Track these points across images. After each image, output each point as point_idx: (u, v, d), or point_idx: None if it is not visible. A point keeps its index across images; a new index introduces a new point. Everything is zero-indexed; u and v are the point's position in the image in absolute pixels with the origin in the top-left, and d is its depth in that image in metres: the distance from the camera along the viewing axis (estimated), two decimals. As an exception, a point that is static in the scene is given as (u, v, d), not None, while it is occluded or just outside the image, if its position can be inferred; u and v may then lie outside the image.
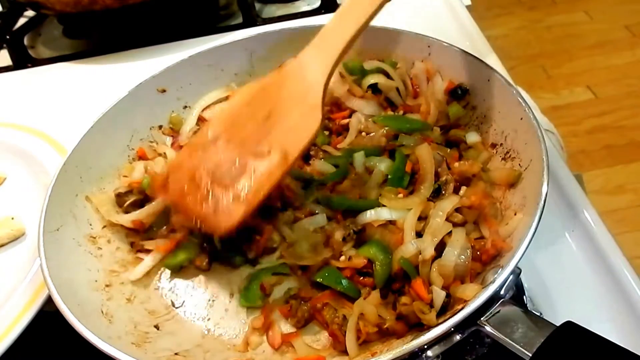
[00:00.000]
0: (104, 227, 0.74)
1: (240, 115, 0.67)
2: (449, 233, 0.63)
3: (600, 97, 2.67)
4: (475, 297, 0.53)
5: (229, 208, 0.62)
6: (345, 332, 0.60)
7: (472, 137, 0.77)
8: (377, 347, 0.59)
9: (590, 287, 0.68)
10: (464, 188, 0.70)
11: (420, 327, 0.58)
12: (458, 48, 0.81)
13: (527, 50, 2.89)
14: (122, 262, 0.72)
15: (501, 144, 0.74)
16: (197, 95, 0.89)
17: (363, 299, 0.62)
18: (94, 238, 0.72)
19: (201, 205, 0.63)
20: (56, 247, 0.66)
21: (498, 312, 0.53)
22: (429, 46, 0.83)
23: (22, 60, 1.24)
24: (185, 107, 0.89)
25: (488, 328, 0.53)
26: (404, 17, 0.98)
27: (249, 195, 0.62)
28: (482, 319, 0.53)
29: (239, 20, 1.26)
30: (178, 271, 0.72)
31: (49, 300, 0.66)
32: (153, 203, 0.73)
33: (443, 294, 0.58)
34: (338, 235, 0.67)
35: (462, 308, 0.52)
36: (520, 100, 0.70)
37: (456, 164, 0.72)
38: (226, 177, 0.63)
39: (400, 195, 0.69)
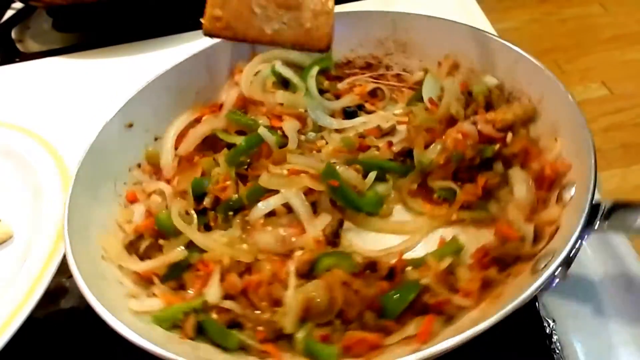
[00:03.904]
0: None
1: None
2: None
3: (615, 93, 2.67)
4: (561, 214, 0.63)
5: (317, 22, 0.67)
6: None
7: (491, 80, 0.82)
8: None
9: (605, 291, 0.68)
10: (509, 135, 0.75)
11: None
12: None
13: (540, 44, 2.88)
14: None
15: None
16: (164, 123, 0.85)
17: None
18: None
19: (272, 31, 0.70)
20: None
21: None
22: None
23: (9, 55, 1.24)
24: (156, 138, 0.85)
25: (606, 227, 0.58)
26: (413, 9, 0.98)
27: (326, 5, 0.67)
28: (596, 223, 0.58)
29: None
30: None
31: (38, 306, 0.66)
32: (170, 254, 0.71)
33: (531, 225, 0.64)
34: None
35: (556, 229, 0.61)
36: (509, 45, 0.81)
37: (492, 114, 0.77)
38: None
39: None
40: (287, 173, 0.75)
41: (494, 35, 0.86)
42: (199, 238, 0.70)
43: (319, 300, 0.61)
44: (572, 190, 0.64)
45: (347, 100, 0.90)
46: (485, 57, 0.85)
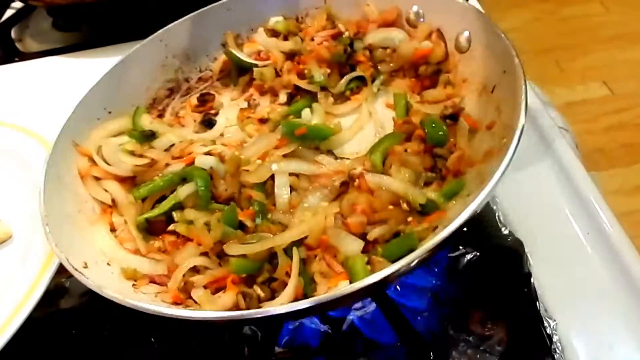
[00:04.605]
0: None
1: None
2: None
3: (617, 93, 2.67)
4: None
5: None
6: None
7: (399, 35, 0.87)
8: None
9: (607, 292, 0.68)
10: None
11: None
12: None
13: (540, 43, 2.88)
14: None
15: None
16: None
17: None
18: None
19: None
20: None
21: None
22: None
23: (9, 54, 1.24)
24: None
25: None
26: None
27: None
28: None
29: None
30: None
31: (38, 306, 0.66)
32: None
33: None
34: None
35: None
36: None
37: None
38: None
39: None
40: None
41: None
42: None
43: None
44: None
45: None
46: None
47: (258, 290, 0.62)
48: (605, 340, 0.65)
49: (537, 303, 0.67)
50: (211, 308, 0.60)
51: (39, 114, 1.02)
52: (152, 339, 0.71)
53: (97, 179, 0.77)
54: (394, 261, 0.54)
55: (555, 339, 0.65)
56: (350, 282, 0.58)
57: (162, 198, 0.74)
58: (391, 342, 0.68)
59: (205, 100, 0.92)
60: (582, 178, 0.79)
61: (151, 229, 0.73)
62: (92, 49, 1.21)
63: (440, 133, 0.72)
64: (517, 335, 0.65)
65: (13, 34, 1.32)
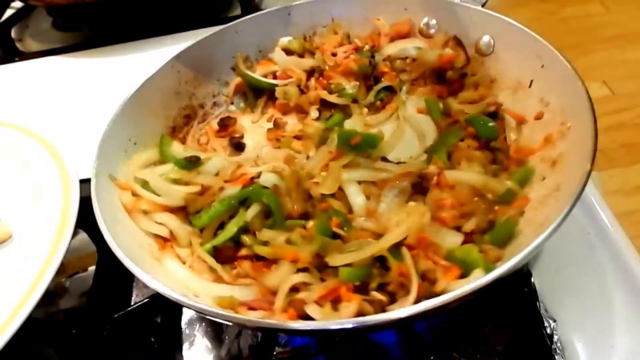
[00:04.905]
0: None
1: None
2: None
3: (617, 93, 2.67)
4: None
5: None
6: None
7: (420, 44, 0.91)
8: None
9: (607, 292, 0.68)
10: None
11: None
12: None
13: (540, 43, 2.88)
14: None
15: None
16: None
17: None
18: None
19: None
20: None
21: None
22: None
23: (9, 54, 1.24)
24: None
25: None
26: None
27: None
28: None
29: (237, 11, 1.26)
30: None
31: (38, 306, 0.66)
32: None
33: None
34: None
35: None
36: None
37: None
38: None
39: None
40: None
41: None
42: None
43: None
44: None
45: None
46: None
47: (379, 296, 0.60)
48: (606, 340, 0.65)
49: (537, 303, 0.67)
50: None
51: (39, 114, 1.02)
52: (152, 339, 0.72)
53: (145, 212, 0.73)
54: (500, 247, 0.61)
55: (555, 339, 0.65)
56: (464, 274, 0.59)
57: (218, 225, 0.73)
58: (391, 342, 0.68)
59: (226, 124, 0.90)
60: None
61: (218, 256, 0.70)
62: (92, 49, 1.21)
63: (490, 125, 0.76)
64: (517, 335, 0.65)
65: (13, 34, 1.32)
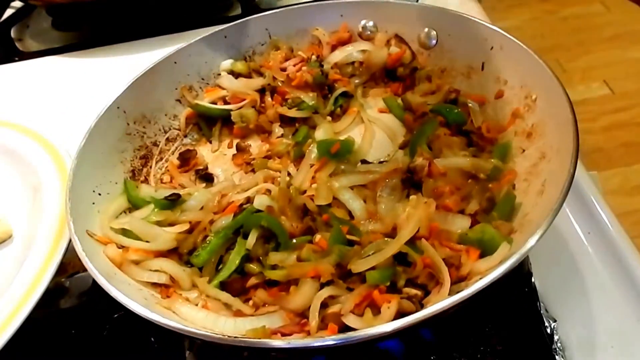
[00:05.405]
0: None
1: None
2: None
3: (617, 92, 2.67)
4: None
5: None
6: None
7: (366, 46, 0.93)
8: None
9: (607, 292, 0.68)
10: None
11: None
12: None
13: (541, 43, 2.88)
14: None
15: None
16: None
17: None
18: None
19: None
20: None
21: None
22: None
23: (9, 54, 1.24)
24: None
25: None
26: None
27: None
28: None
29: (238, 11, 1.26)
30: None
31: (38, 306, 0.66)
32: None
33: None
34: None
35: None
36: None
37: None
38: None
39: None
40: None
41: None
42: None
43: None
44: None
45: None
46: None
47: (414, 291, 0.61)
48: (606, 340, 0.65)
49: (538, 303, 0.67)
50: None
51: (39, 114, 1.02)
52: (152, 339, 0.71)
53: (136, 263, 0.70)
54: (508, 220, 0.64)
55: (555, 338, 0.65)
56: (484, 252, 0.61)
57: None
58: (391, 342, 0.68)
59: (187, 158, 0.88)
60: (582, 178, 0.80)
61: (227, 291, 0.68)
62: (92, 48, 1.21)
63: (457, 111, 0.80)
64: (517, 335, 0.65)
65: (13, 34, 1.32)
